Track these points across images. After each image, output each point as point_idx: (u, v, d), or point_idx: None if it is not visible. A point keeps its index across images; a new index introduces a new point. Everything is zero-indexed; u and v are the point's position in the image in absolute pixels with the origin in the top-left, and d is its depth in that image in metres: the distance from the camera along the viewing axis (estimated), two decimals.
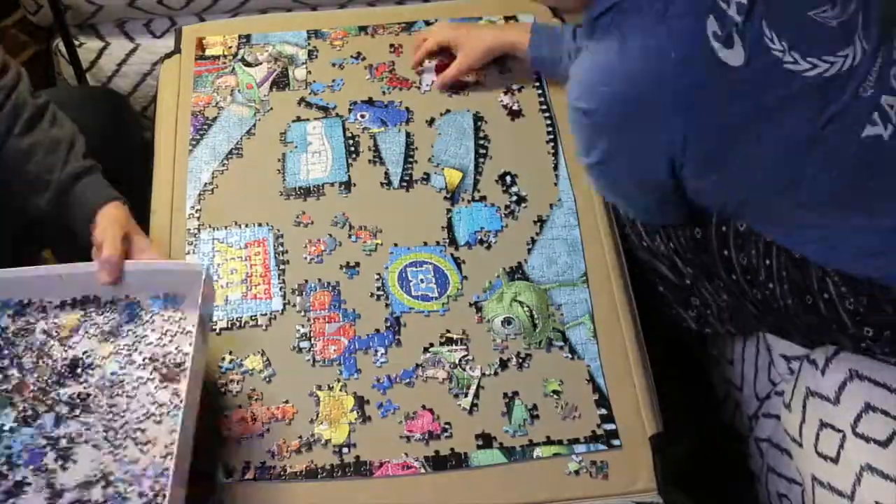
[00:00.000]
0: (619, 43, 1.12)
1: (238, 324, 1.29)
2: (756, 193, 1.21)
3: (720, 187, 1.21)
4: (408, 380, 1.25)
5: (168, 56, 1.58)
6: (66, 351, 1.15)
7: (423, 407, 1.23)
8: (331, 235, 1.37)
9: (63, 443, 1.09)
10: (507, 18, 1.61)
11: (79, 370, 1.14)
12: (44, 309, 1.18)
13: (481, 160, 1.45)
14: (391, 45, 1.58)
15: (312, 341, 1.28)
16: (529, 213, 1.39)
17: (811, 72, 1.10)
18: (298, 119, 1.49)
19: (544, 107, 1.50)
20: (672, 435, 1.23)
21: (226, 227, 1.38)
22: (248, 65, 1.55)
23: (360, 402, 1.23)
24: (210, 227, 1.38)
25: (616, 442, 1.21)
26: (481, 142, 1.47)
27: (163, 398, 1.12)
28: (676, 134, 1.13)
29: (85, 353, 1.15)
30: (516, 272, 1.34)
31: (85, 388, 1.13)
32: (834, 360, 1.26)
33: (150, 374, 1.14)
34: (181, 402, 1.09)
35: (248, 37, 1.59)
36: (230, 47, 1.58)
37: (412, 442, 1.20)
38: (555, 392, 1.24)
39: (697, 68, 1.09)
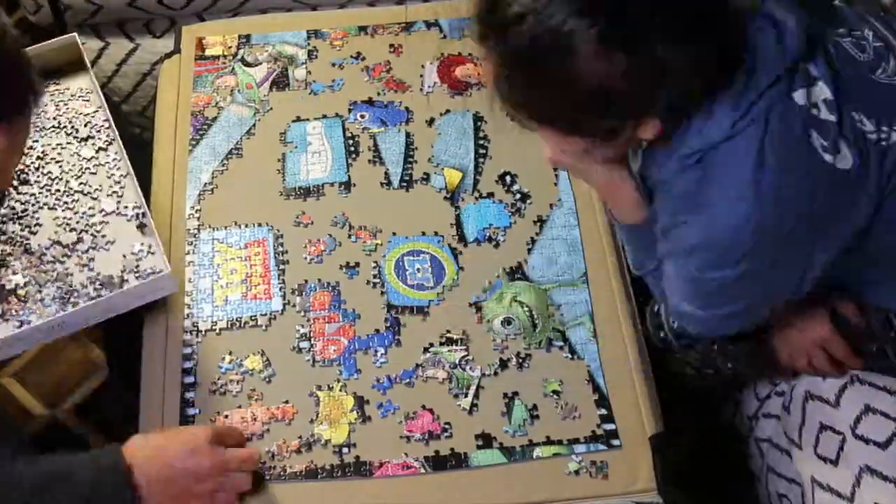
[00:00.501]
0: (725, 199, 0.99)
1: (238, 324, 1.29)
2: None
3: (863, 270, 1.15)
4: (408, 380, 1.25)
5: (168, 56, 1.58)
6: None
7: (423, 407, 1.23)
8: (331, 235, 1.37)
9: (20, 211, 1.22)
10: None
11: None
12: None
13: (481, 160, 1.45)
14: (391, 45, 1.58)
15: (312, 341, 1.28)
16: (533, 211, 1.39)
17: None
18: (298, 119, 1.49)
19: None
20: (672, 435, 1.23)
21: (226, 227, 1.38)
22: (248, 65, 1.55)
23: (360, 402, 1.23)
24: (210, 227, 1.38)
25: (616, 442, 1.21)
26: (481, 142, 1.47)
27: (87, 153, 1.25)
28: (817, 261, 1.06)
29: None
30: (516, 272, 1.34)
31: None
32: None
33: (66, 140, 1.26)
34: (105, 143, 1.23)
35: (247, 37, 1.59)
36: (230, 47, 1.58)
37: (412, 442, 1.20)
38: (555, 392, 1.24)
39: (825, 195, 1.00)
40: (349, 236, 1.37)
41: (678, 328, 1.27)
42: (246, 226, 1.38)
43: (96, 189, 1.24)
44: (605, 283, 1.33)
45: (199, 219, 1.38)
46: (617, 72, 0.90)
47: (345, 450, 1.19)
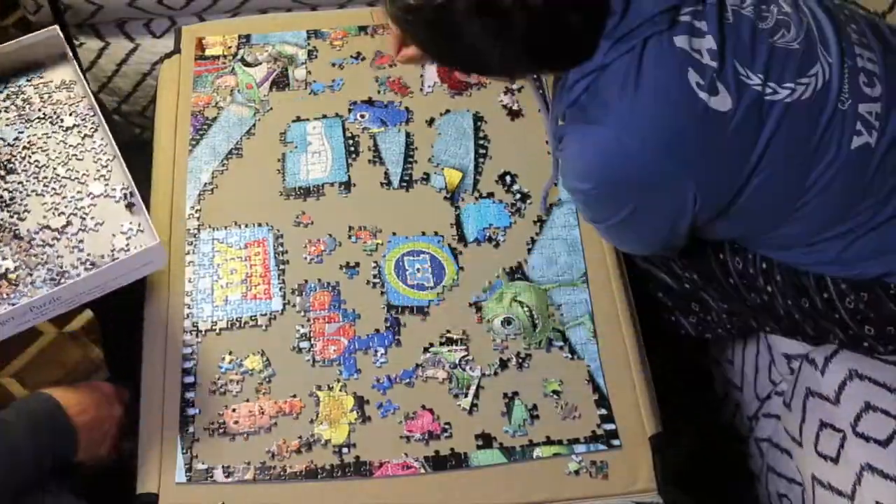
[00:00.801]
0: (604, 120, 1.09)
1: (238, 324, 1.29)
2: (762, 225, 1.21)
3: (729, 225, 1.21)
4: (408, 380, 1.25)
5: (168, 56, 1.58)
6: None
7: (423, 407, 1.23)
8: (331, 235, 1.37)
9: (8, 199, 1.23)
10: None
11: None
12: None
13: (481, 160, 1.45)
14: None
15: (312, 341, 1.28)
16: (533, 211, 1.39)
17: (791, 97, 1.10)
18: (298, 119, 1.49)
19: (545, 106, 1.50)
20: (672, 435, 1.23)
21: (226, 227, 1.38)
22: (248, 65, 1.55)
23: (360, 403, 1.23)
24: (210, 227, 1.38)
25: (616, 442, 1.21)
26: (481, 142, 1.47)
27: (74, 141, 1.27)
28: (687, 196, 1.13)
29: None
30: (516, 272, 1.34)
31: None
32: (833, 359, 1.26)
33: (51, 129, 1.29)
34: (91, 130, 1.26)
35: (247, 37, 1.59)
36: (230, 47, 1.58)
37: (412, 442, 1.20)
38: (555, 392, 1.24)
39: (694, 127, 1.08)
40: (349, 236, 1.37)
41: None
42: (246, 226, 1.38)
43: (83, 174, 1.25)
44: (605, 283, 1.33)
45: (199, 219, 1.38)
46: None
47: (345, 450, 1.19)
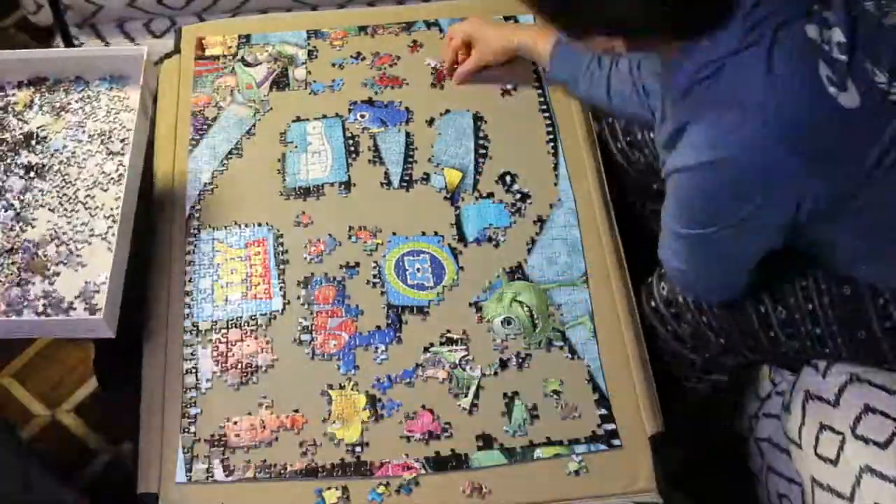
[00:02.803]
0: (734, 109, 1.03)
1: (238, 323, 1.29)
2: (878, 238, 1.16)
3: (834, 230, 1.16)
4: (408, 379, 1.25)
5: (168, 56, 1.58)
6: (21, 126, 1.36)
7: (423, 407, 1.23)
8: (331, 235, 1.37)
9: (20, 206, 1.28)
10: (506, 18, 1.61)
11: (33, 142, 1.33)
12: (1, 88, 1.39)
13: (481, 160, 1.45)
14: (391, 46, 1.58)
15: (314, 335, 1.28)
16: (533, 211, 1.39)
17: None
18: (298, 119, 1.49)
19: (544, 107, 1.50)
20: (672, 435, 1.23)
21: (226, 227, 1.38)
22: (248, 65, 1.55)
23: (373, 401, 1.23)
24: (210, 227, 1.38)
25: (616, 442, 1.21)
26: (481, 142, 1.47)
27: (109, 169, 1.31)
28: (808, 194, 1.07)
29: (39, 127, 1.35)
30: (516, 272, 1.34)
31: (40, 158, 1.32)
32: (835, 364, 1.26)
33: (98, 147, 1.33)
34: (125, 171, 1.28)
35: (247, 37, 1.59)
36: (230, 47, 1.58)
37: (412, 442, 1.20)
38: (555, 392, 1.24)
39: (823, 123, 1.03)
40: (349, 236, 1.37)
41: (667, 295, 1.30)
42: (246, 226, 1.38)
43: (98, 207, 1.29)
44: (605, 283, 1.33)
45: (199, 219, 1.38)
46: None
47: (357, 448, 1.19)
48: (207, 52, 1.57)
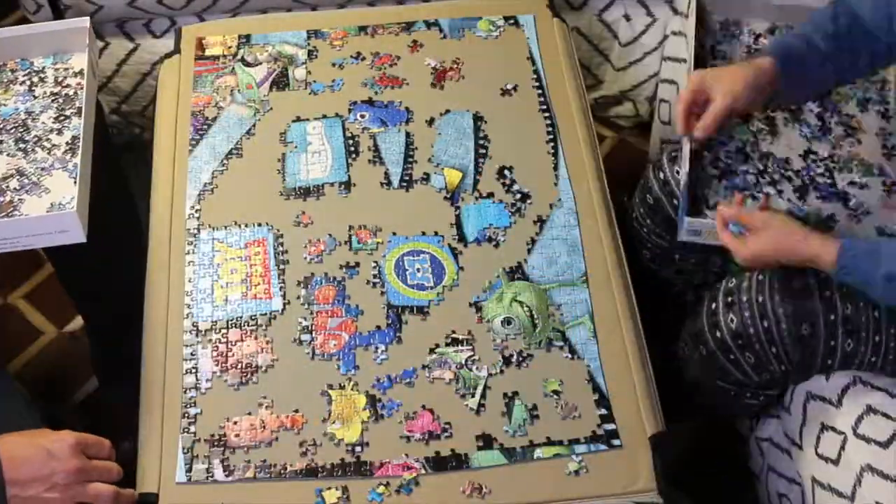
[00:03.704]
0: None
1: (238, 323, 1.29)
2: None
3: None
4: (408, 379, 1.25)
5: (168, 56, 1.58)
6: None
7: (423, 407, 1.23)
8: (331, 235, 1.37)
9: None
10: (506, 18, 1.61)
11: None
12: None
13: (481, 160, 1.45)
14: (391, 46, 1.58)
15: (314, 334, 1.28)
16: (533, 211, 1.39)
17: None
18: (298, 119, 1.49)
19: (544, 107, 1.50)
20: (672, 435, 1.23)
21: (226, 227, 1.38)
22: (248, 65, 1.55)
23: (373, 401, 1.23)
24: (210, 227, 1.38)
25: (616, 442, 1.21)
26: (481, 142, 1.47)
27: (63, 117, 1.35)
28: None
29: None
30: (516, 272, 1.34)
31: None
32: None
33: (49, 104, 1.37)
34: (80, 118, 1.33)
35: (247, 37, 1.59)
36: (230, 47, 1.58)
37: (412, 442, 1.20)
38: (555, 392, 1.24)
39: None
40: (349, 236, 1.37)
41: (736, 328, 1.27)
42: (246, 226, 1.38)
43: (54, 146, 1.34)
44: (605, 283, 1.33)
45: (199, 219, 1.38)
46: None
47: (357, 448, 1.19)
48: (207, 52, 1.57)
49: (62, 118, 1.36)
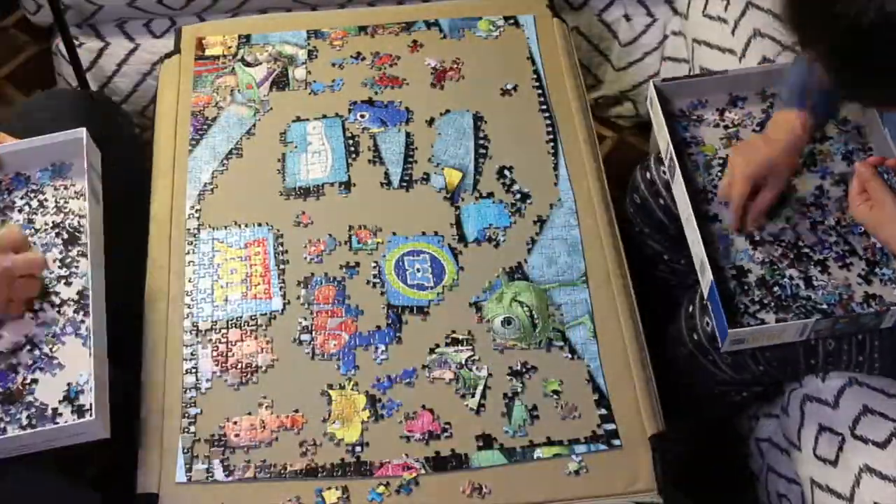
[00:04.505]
0: None
1: (238, 323, 1.29)
2: None
3: None
4: (408, 379, 1.25)
5: (168, 56, 1.58)
6: None
7: (423, 407, 1.23)
8: (331, 235, 1.37)
9: None
10: (506, 18, 1.61)
11: None
12: None
13: (481, 160, 1.45)
14: (391, 46, 1.58)
15: (313, 334, 1.28)
16: (533, 211, 1.39)
17: None
18: (298, 119, 1.49)
19: (544, 107, 1.50)
20: (672, 435, 1.23)
21: (226, 227, 1.38)
22: (248, 65, 1.55)
23: (373, 401, 1.23)
24: (210, 227, 1.38)
25: (616, 442, 1.21)
26: (481, 142, 1.47)
27: (68, 260, 1.22)
28: None
29: None
30: (516, 272, 1.34)
31: None
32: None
33: (53, 239, 1.23)
34: (87, 261, 1.19)
35: (247, 37, 1.59)
36: (230, 47, 1.58)
37: (412, 442, 1.20)
38: (555, 392, 1.24)
39: None
40: (349, 236, 1.37)
41: (711, 330, 1.27)
42: (246, 226, 1.38)
43: (63, 303, 1.20)
44: (605, 283, 1.33)
45: (199, 219, 1.38)
46: None
47: (358, 448, 1.20)
48: (207, 52, 1.57)
49: (68, 261, 1.21)
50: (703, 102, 1.41)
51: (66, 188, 1.28)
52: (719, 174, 1.34)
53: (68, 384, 1.14)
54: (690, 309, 1.34)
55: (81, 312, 1.18)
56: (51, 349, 1.17)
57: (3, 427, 1.10)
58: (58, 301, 1.19)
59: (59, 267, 1.21)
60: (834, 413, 1.23)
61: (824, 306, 1.22)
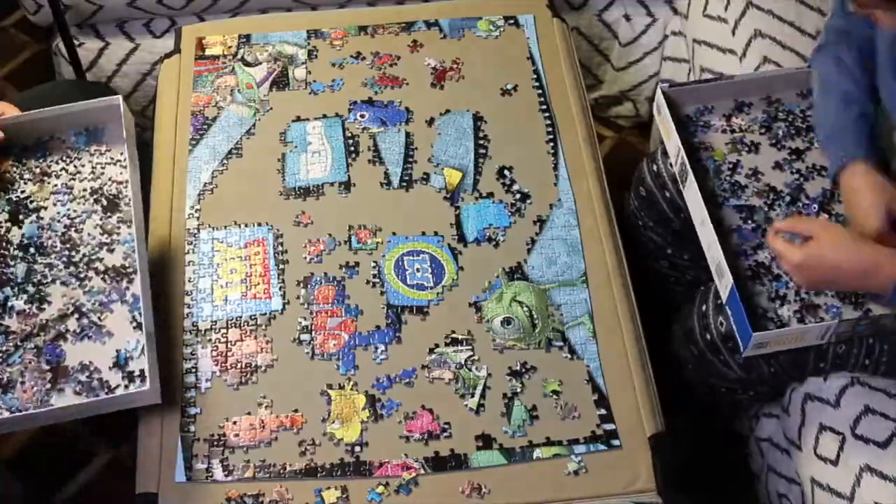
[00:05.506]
0: None
1: (238, 323, 1.29)
2: None
3: None
4: (408, 379, 1.25)
5: (168, 56, 1.58)
6: (3, 204, 1.27)
7: (423, 407, 1.23)
8: (330, 235, 1.37)
9: (32, 289, 1.20)
10: (506, 18, 1.61)
11: (21, 217, 1.25)
12: None
13: (481, 160, 1.45)
14: (391, 46, 1.58)
15: (313, 334, 1.28)
16: (533, 211, 1.39)
17: None
18: (298, 119, 1.49)
19: (544, 106, 1.50)
20: (672, 435, 1.23)
21: (225, 227, 1.38)
22: (248, 65, 1.55)
23: (372, 401, 1.23)
24: (210, 226, 1.38)
25: (616, 442, 1.21)
26: (481, 142, 1.47)
27: (109, 227, 1.25)
28: None
29: (26, 198, 1.28)
30: (516, 272, 1.34)
31: (37, 232, 1.25)
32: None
33: (92, 205, 1.27)
34: (129, 227, 1.23)
35: (247, 37, 1.59)
36: (230, 47, 1.58)
37: (412, 442, 1.20)
38: (554, 392, 1.24)
39: None
40: (349, 236, 1.37)
41: (726, 331, 1.27)
42: (246, 225, 1.38)
43: (108, 270, 1.23)
44: (605, 283, 1.33)
45: (199, 219, 1.38)
46: None
47: (357, 448, 1.20)
48: (207, 52, 1.57)
49: (109, 227, 1.25)
50: (710, 108, 1.41)
51: (101, 153, 1.31)
52: (728, 178, 1.34)
53: (117, 351, 1.18)
54: (704, 308, 1.32)
55: (125, 280, 1.21)
56: (99, 317, 1.19)
57: (61, 387, 1.14)
58: (102, 268, 1.22)
59: (101, 234, 1.25)
60: (835, 413, 1.23)
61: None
